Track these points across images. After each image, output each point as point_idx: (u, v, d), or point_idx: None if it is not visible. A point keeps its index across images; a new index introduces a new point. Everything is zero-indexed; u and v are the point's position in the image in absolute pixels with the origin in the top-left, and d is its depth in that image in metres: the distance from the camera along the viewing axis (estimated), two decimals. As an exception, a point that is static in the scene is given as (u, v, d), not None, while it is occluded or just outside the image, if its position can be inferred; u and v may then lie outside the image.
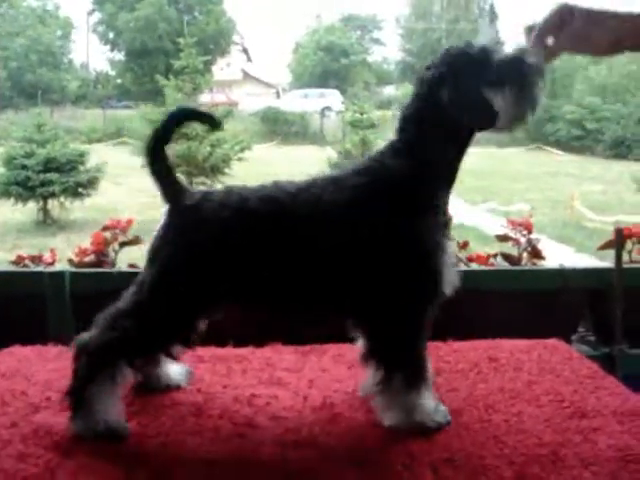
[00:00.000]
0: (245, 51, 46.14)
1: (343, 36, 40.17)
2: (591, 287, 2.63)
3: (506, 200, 14.42)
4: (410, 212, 1.34)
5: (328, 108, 30.60)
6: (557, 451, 1.21)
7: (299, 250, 1.33)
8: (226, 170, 12.06)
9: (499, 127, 1.38)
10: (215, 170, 11.74)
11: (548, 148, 26.65)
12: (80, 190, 11.34)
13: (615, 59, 30.72)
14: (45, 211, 11.41)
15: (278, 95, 39.09)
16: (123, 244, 2.81)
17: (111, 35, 36.06)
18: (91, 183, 11.39)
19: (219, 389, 1.57)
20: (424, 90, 1.38)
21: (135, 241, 2.83)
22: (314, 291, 1.36)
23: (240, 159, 12.34)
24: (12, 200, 11.15)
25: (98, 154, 14.77)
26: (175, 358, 1.59)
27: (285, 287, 1.35)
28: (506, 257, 2.71)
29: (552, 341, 1.87)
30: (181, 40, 12.26)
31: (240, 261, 1.34)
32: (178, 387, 1.58)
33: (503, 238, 2.72)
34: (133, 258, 2.97)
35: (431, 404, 1.38)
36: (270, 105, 29.58)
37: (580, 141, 26.95)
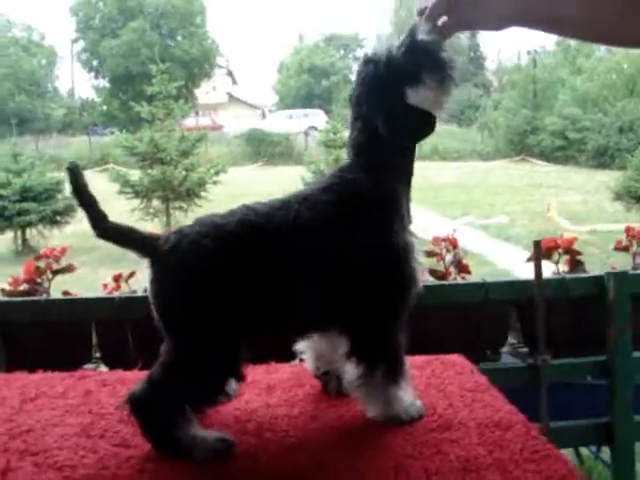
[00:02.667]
0: (230, 74, 46.47)
1: (326, 56, 40.52)
2: (516, 299, 2.67)
3: (486, 213, 14.54)
4: (381, 221, 1.40)
5: (313, 128, 30.77)
6: (404, 463, 1.24)
7: (287, 268, 1.35)
8: (202, 193, 12.14)
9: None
10: (191, 194, 11.81)
11: (532, 159, 26.87)
12: (58, 218, 11.39)
13: (595, 69, 31.05)
14: (23, 240, 11.43)
15: (264, 116, 39.31)
16: (56, 272, 2.84)
17: (95, 62, 36.29)
18: (68, 210, 11.43)
19: (109, 409, 1.59)
20: (357, 114, 1.45)
21: (68, 269, 2.87)
22: (307, 306, 1.39)
23: (215, 182, 12.39)
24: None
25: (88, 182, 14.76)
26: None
27: (281, 306, 1.38)
28: (433, 272, 2.75)
29: (452, 356, 1.89)
30: (153, 66, 12.36)
31: (241, 287, 1.34)
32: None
33: (430, 254, 2.76)
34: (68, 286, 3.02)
35: (408, 398, 1.45)
36: (254, 127, 29.73)
37: (563, 151, 27.19)
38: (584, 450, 3.55)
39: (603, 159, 25.78)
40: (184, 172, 11.72)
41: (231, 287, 1.33)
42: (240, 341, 1.36)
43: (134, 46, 33.13)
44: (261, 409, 1.56)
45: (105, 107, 36.38)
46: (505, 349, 2.80)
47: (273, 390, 1.67)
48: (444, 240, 2.74)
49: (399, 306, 1.43)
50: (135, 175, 12.19)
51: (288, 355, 1.68)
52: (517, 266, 8.98)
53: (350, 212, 1.40)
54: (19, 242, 11.41)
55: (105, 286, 2.82)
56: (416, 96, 1.39)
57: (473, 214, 14.60)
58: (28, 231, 11.33)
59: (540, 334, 2.55)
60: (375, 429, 1.41)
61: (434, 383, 1.68)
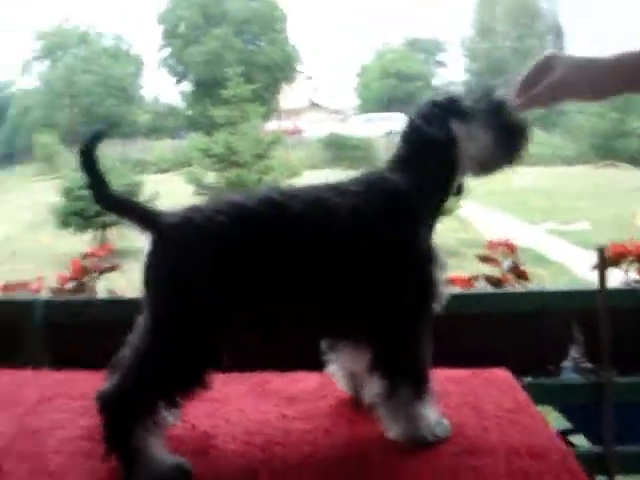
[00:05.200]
0: (311, 79, 46.74)
1: (409, 60, 40.14)
2: (579, 310, 2.46)
3: (568, 219, 13.98)
4: (409, 223, 1.34)
5: (393, 132, 30.45)
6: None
7: (305, 255, 1.27)
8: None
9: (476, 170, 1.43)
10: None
11: (619, 164, 25.76)
12: (137, 218, 11.64)
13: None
14: (104, 240, 11.73)
15: (344, 121, 39.27)
16: (101, 271, 2.82)
17: (180, 69, 37.18)
18: (148, 211, 11.68)
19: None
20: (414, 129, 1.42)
21: (113, 268, 2.85)
22: (328, 302, 1.31)
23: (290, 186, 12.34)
24: (72, 230, 11.59)
25: (165, 183, 15.17)
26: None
27: (299, 300, 1.29)
28: (489, 279, 2.57)
29: (495, 371, 1.73)
30: (229, 70, 12.46)
31: (251, 270, 1.25)
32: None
33: (485, 259, 2.58)
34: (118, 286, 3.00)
35: (434, 417, 1.34)
36: (333, 131, 29.72)
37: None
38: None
39: (698, 163, 24.44)
40: (258, 175, 11.78)
41: (243, 270, 1.24)
42: (235, 331, 1.28)
43: (218, 52, 33.72)
44: (276, 421, 1.45)
45: (190, 112, 37.16)
46: (568, 364, 2.58)
47: (293, 401, 1.56)
48: (501, 245, 2.55)
49: (420, 315, 1.33)
50: (211, 177, 12.37)
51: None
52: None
53: (378, 207, 1.32)
54: (99, 242, 11.71)
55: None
56: (457, 127, 1.39)
57: (554, 220, 14.06)
58: (108, 231, 11.64)
59: (604, 349, 2.34)
60: (389, 450, 1.28)
61: (469, 401, 1.52)
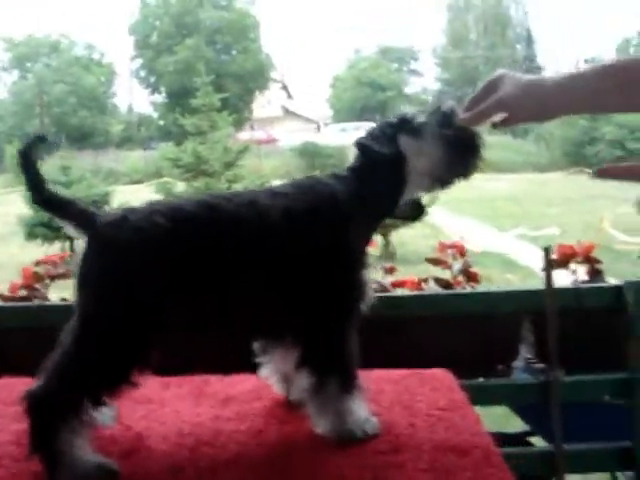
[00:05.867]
0: (285, 88, 46.76)
1: (382, 69, 40.34)
2: (528, 310, 2.48)
3: (538, 225, 14.10)
4: (340, 226, 1.36)
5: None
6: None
7: (239, 255, 1.29)
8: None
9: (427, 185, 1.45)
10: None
11: (590, 171, 26.10)
12: (105, 229, 11.53)
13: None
14: (72, 251, 11.61)
15: (318, 130, 39.38)
16: (53, 278, 2.80)
17: (152, 79, 37.03)
18: (116, 221, 11.59)
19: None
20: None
21: (65, 275, 2.82)
22: (265, 303, 1.33)
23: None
24: (39, 241, 11.46)
25: (136, 194, 15.07)
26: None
27: (235, 300, 1.30)
28: (439, 281, 2.59)
29: (433, 371, 1.74)
30: (197, 79, 12.45)
31: (186, 271, 1.26)
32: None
33: (435, 262, 2.60)
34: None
35: (363, 413, 1.35)
36: (308, 140, 29.79)
37: (622, 162, 26.32)
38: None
39: (665, 170, 24.83)
40: (227, 184, 11.76)
41: (177, 270, 1.25)
42: (166, 331, 1.28)
43: (190, 62, 33.61)
44: (209, 422, 1.44)
45: (162, 122, 37.00)
46: (520, 364, 2.60)
47: (229, 403, 1.56)
48: (451, 247, 2.57)
49: (348, 314, 1.36)
50: (181, 187, 12.33)
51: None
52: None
53: (310, 209, 1.34)
54: (67, 252, 11.59)
55: None
56: (405, 141, 1.41)
57: (524, 226, 14.18)
58: (75, 242, 11.55)
59: (552, 348, 2.36)
60: (317, 448, 1.29)
61: (403, 399, 1.53)
